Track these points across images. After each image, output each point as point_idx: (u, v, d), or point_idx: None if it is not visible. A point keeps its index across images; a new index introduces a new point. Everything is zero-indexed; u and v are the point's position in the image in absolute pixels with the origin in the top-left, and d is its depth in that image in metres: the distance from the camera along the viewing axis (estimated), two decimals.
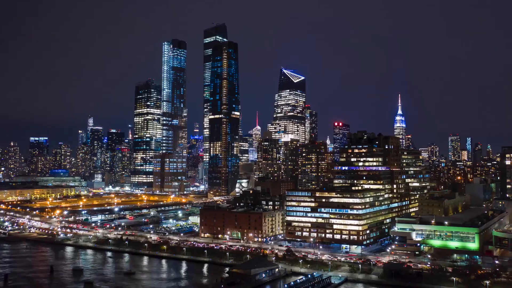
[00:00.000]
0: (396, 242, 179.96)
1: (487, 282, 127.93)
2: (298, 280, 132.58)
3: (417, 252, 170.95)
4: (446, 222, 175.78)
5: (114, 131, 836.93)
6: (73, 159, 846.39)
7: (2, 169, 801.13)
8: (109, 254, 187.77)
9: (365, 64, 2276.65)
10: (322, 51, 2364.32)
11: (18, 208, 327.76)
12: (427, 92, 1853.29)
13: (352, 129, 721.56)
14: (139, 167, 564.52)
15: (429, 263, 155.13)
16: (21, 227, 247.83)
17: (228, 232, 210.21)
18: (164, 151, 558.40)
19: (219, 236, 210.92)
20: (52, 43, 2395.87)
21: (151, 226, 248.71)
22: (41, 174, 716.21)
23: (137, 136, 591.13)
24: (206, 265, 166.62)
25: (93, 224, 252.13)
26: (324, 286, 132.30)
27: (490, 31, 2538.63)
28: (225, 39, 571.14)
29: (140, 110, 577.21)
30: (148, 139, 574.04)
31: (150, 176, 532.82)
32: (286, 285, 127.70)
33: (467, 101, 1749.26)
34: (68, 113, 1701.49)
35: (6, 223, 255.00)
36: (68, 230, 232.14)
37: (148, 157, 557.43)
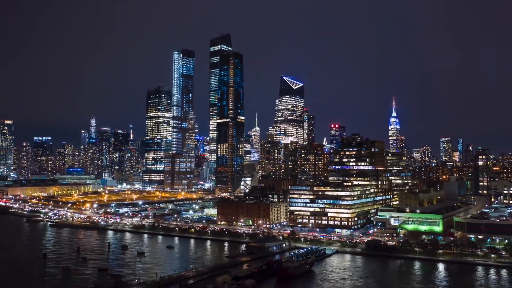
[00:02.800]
0: (378, 227, 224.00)
1: (441, 251, 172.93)
2: (300, 251, 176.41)
3: (394, 234, 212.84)
4: (418, 211, 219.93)
5: (120, 131, 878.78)
6: (78, 158, 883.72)
7: (13, 167, 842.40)
8: (145, 236, 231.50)
9: (361, 67, 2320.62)
10: (320, 56, 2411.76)
11: (51, 202, 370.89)
12: (422, 94, 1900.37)
13: (347, 130, 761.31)
14: (150, 166, 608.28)
15: (401, 240, 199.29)
16: (63, 216, 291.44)
17: (241, 220, 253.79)
18: (174, 152, 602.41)
19: (234, 223, 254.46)
20: (53, 46, 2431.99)
21: (175, 216, 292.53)
22: (51, 172, 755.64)
23: (148, 137, 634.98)
24: (226, 243, 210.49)
25: (126, 215, 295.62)
26: (320, 255, 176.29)
27: (487, 34, 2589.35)
28: (229, 48, 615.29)
29: (151, 114, 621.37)
30: (158, 140, 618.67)
31: (161, 174, 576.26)
32: (292, 253, 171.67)
33: (462, 103, 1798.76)
34: (69, 114, 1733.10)
35: (50, 214, 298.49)
36: (106, 219, 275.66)
37: (159, 157, 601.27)
